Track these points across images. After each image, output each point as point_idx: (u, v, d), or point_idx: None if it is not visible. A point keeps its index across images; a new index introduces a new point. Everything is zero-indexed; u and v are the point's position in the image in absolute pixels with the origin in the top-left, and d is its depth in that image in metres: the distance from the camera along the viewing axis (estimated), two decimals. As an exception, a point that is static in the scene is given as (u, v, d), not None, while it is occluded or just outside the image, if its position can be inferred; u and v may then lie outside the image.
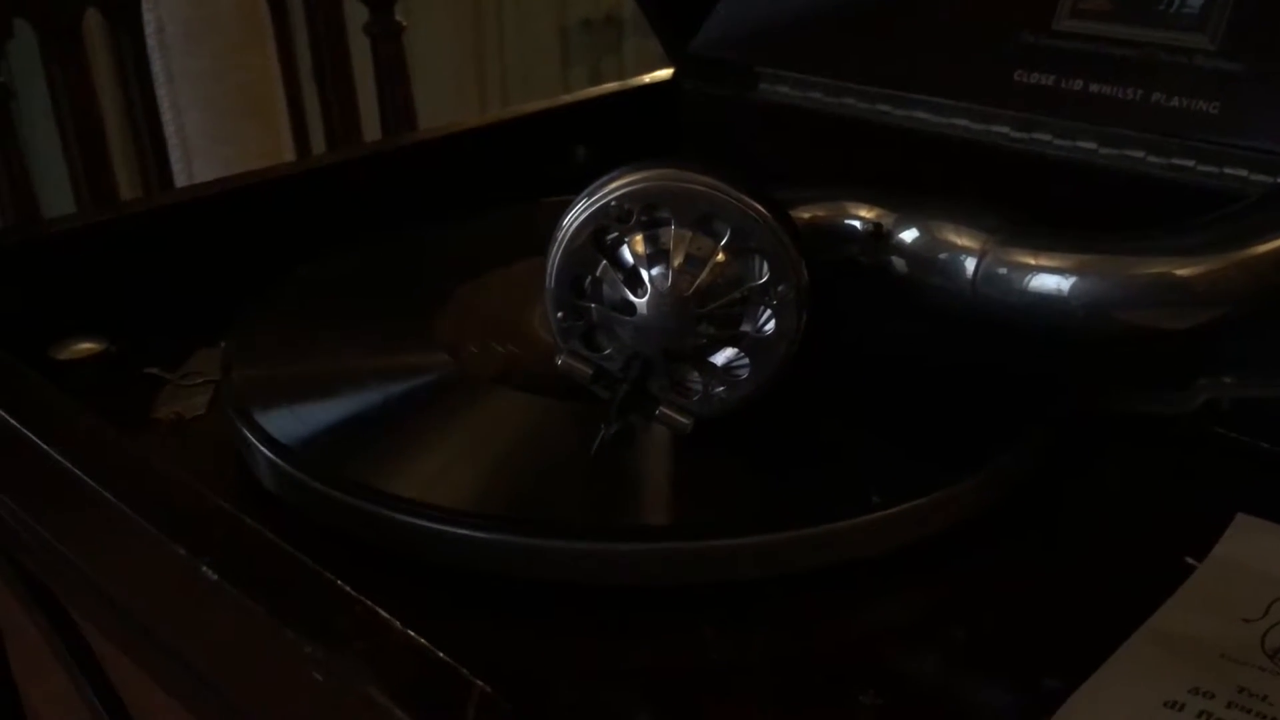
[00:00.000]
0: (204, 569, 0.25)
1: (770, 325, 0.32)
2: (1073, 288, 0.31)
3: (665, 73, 0.57)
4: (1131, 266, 0.31)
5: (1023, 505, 0.33)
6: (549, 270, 0.33)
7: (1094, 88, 0.42)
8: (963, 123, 0.45)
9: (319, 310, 0.43)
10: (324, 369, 0.38)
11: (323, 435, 0.35)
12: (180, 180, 0.88)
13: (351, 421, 0.36)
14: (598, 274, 0.32)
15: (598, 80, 1.69)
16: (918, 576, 0.31)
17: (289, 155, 0.92)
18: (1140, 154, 0.41)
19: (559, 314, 0.33)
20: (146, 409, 0.39)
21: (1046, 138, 0.43)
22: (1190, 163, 0.39)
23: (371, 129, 1.01)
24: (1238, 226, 0.31)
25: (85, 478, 0.28)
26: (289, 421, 0.35)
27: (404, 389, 0.37)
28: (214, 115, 0.87)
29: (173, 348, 0.43)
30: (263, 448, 0.34)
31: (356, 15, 0.98)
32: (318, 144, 1.00)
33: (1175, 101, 0.40)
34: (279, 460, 0.33)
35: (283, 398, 0.36)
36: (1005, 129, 0.43)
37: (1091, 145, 0.41)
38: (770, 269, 0.32)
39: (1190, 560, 0.31)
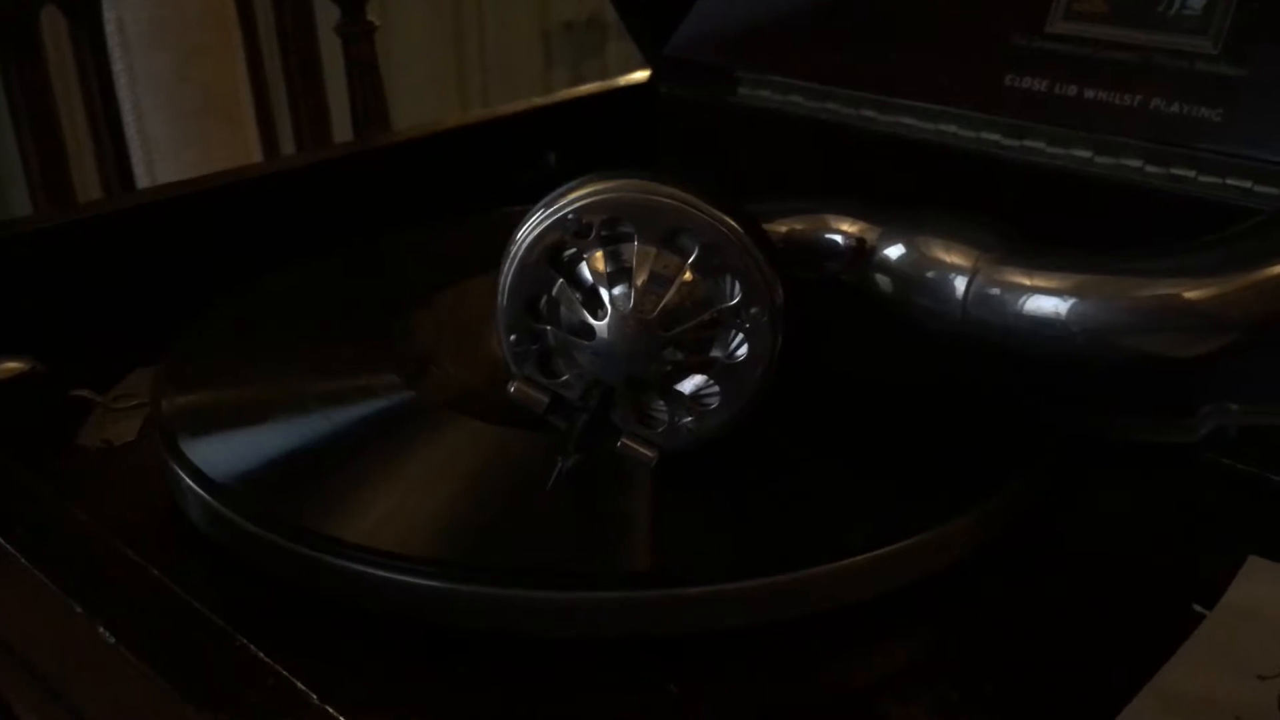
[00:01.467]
0: (101, 630, 0.22)
1: (742, 350, 0.30)
2: (1071, 310, 0.29)
3: (642, 74, 0.55)
4: (1135, 289, 0.29)
5: (1018, 546, 0.31)
6: (501, 288, 0.30)
7: (1089, 93, 0.40)
8: (951, 129, 0.43)
9: (265, 326, 0.40)
10: (264, 393, 0.36)
11: (258, 469, 0.32)
12: (143, 184, 0.86)
13: (291, 453, 0.33)
14: (554, 293, 0.30)
15: (580, 84, 1.67)
16: (903, 629, 0.29)
17: (256, 158, 0.89)
18: (1138, 163, 0.39)
19: (511, 337, 0.30)
20: (72, 435, 0.36)
21: (1039, 145, 0.41)
22: (1191, 173, 0.38)
23: (342, 132, 0.99)
24: (1249, 246, 0.28)
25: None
26: (221, 452, 0.32)
27: (351, 416, 0.34)
28: (178, 116, 0.85)
29: (113, 367, 0.40)
30: (190, 482, 0.31)
31: (328, 16, 0.95)
32: (286, 147, 0.97)
33: (1175, 108, 0.38)
34: (208, 496, 0.31)
35: (216, 425, 0.33)
36: (996, 136, 0.42)
37: (1087, 153, 0.40)
38: (742, 289, 0.29)
39: (1199, 608, 0.28)
